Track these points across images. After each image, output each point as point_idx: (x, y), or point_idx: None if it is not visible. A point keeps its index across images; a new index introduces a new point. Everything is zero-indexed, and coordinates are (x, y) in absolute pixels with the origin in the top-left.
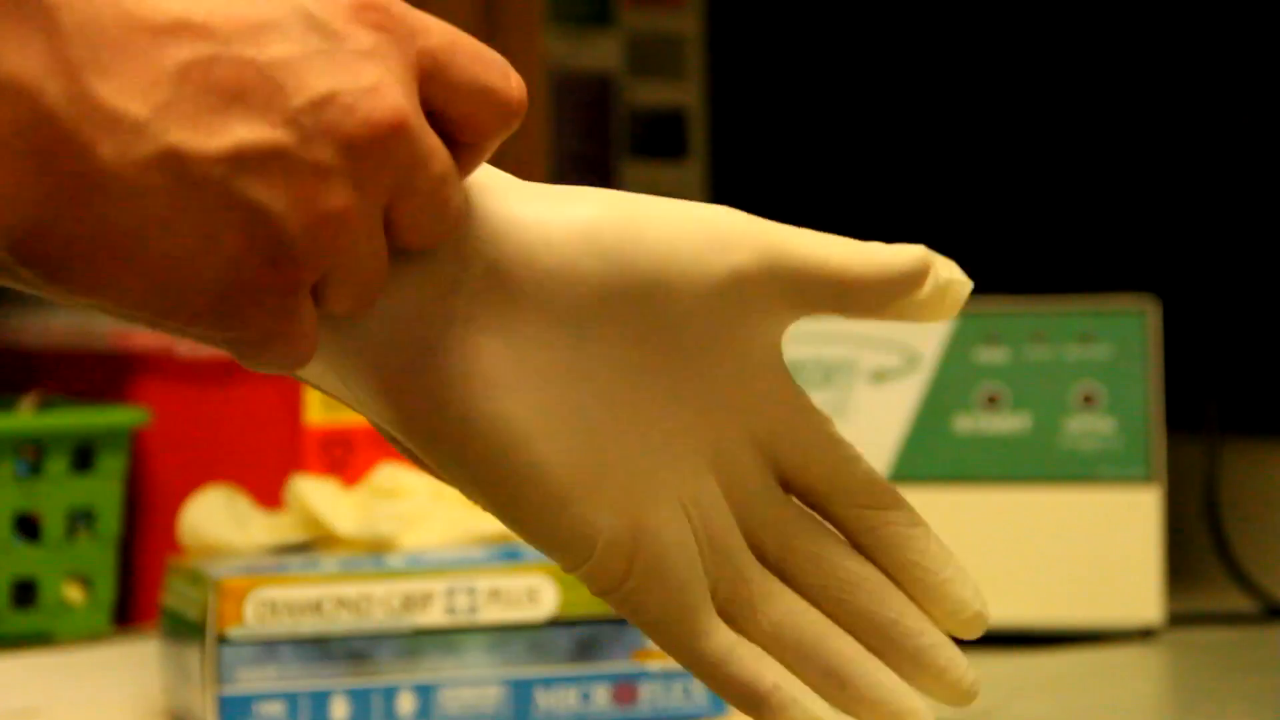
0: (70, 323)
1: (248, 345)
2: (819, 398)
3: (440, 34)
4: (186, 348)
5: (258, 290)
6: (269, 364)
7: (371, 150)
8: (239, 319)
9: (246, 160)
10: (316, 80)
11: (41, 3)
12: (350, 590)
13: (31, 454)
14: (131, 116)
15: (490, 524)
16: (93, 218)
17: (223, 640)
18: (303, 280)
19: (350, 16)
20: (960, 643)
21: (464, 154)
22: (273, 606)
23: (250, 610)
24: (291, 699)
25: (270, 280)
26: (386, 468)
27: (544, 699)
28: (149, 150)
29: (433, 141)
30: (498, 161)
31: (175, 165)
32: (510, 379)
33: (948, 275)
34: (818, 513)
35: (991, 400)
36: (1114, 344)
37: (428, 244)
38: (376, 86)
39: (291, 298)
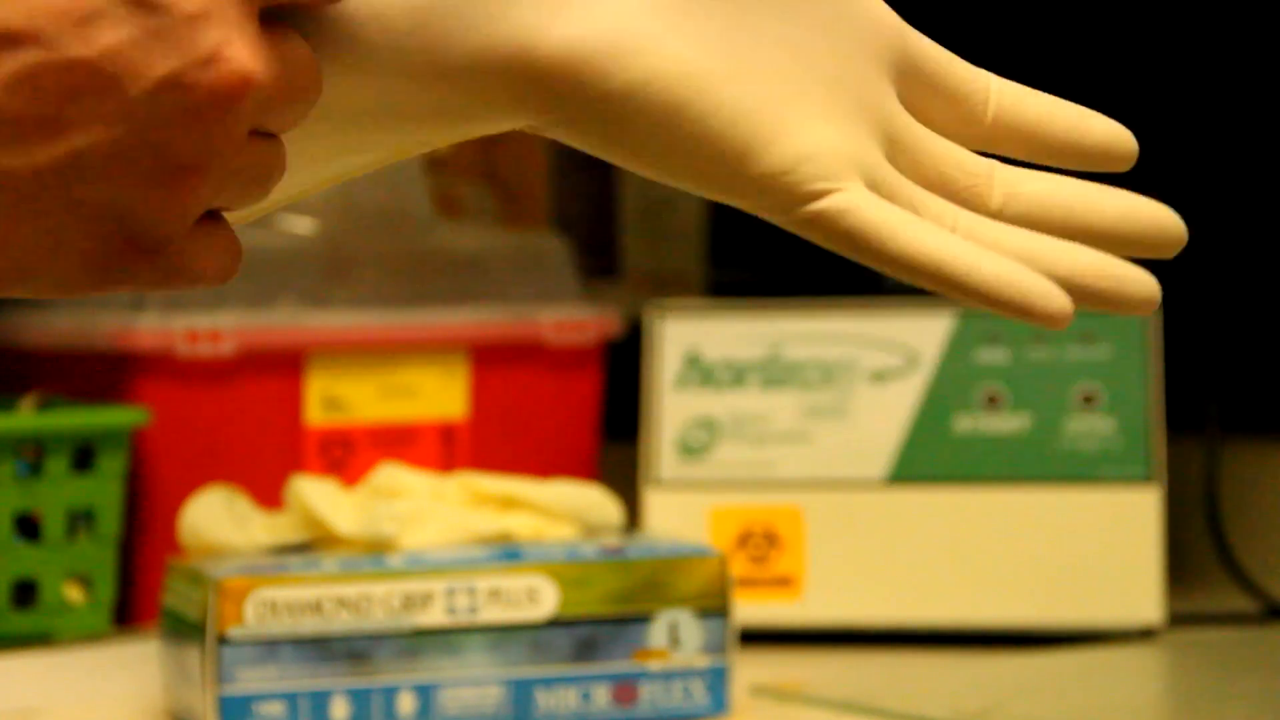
0: (70, 323)
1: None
2: (819, 398)
3: None
4: (186, 348)
5: (125, 269)
6: (192, 283)
7: (224, 116)
8: (120, 285)
9: (84, 165)
10: (153, 63)
11: None
12: (350, 590)
13: (31, 454)
14: None
15: (490, 524)
16: None
17: (223, 640)
18: (174, 238)
19: None
20: (960, 643)
21: None
22: (273, 606)
23: (250, 610)
24: (291, 699)
25: (135, 261)
26: (386, 468)
27: (544, 699)
28: None
29: (290, 58)
30: (494, 160)
31: (6, 183)
32: (660, 26)
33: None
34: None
35: (991, 400)
36: (1114, 344)
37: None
38: (215, 52)
39: (164, 255)
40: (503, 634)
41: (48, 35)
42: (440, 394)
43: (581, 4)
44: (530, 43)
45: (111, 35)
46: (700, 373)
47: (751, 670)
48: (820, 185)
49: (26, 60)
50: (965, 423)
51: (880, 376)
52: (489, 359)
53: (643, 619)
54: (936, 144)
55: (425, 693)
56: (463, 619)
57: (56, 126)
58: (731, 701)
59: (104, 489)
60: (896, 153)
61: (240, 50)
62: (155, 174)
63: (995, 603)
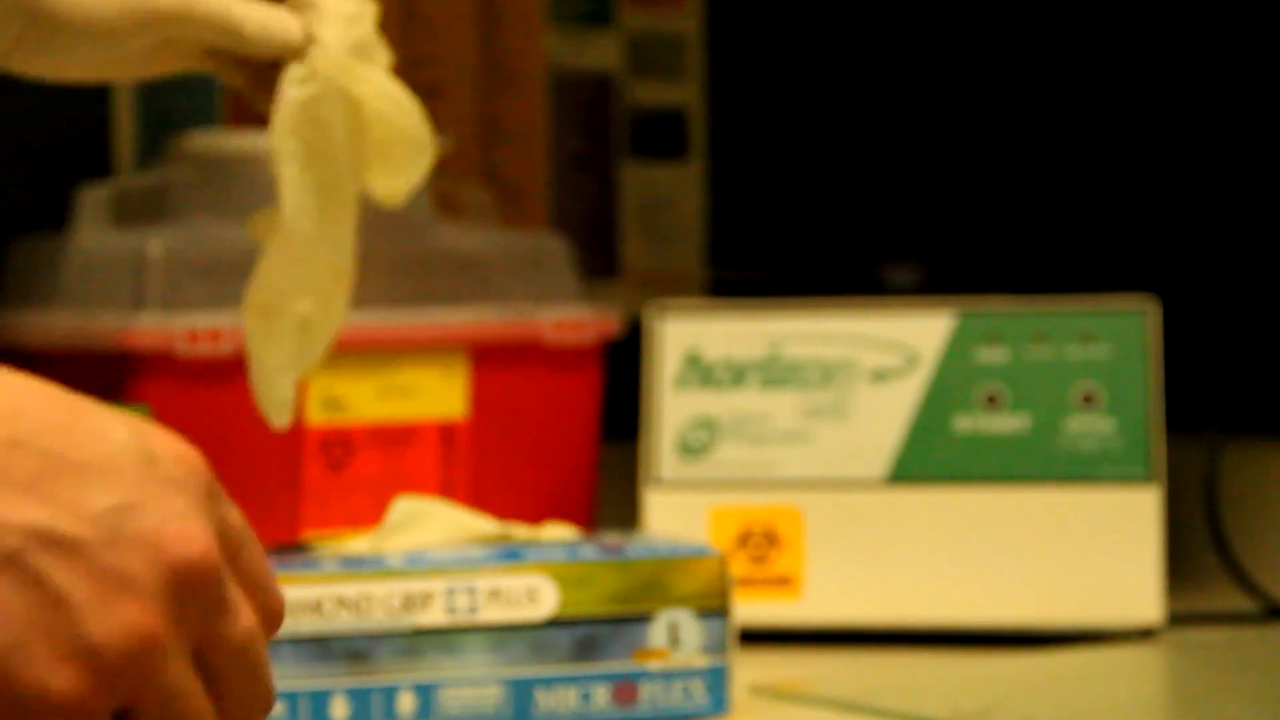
0: (70, 323)
1: None
2: (819, 398)
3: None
4: (186, 348)
5: (45, 701)
6: None
7: (182, 577)
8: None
9: (48, 541)
10: (109, 495)
11: None
12: (350, 590)
13: None
14: None
15: (490, 524)
16: None
17: None
18: (102, 699)
19: (171, 454)
20: (960, 643)
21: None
22: None
23: None
24: (291, 699)
25: (65, 696)
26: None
27: (544, 699)
28: None
29: (238, 595)
30: (494, 160)
31: None
32: None
33: None
34: None
35: (991, 400)
36: (1114, 344)
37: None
38: (186, 514)
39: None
40: (503, 634)
41: (35, 426)
42: (440, 394)
43: None
44: None
45: (96, 449)
46: (700, 373)
47: (751, 670)
48: None
49: (9, 434)
50: (965, 423)
51: (880, 376)
52: (489, 359)
53: (643, 619)
54: None
55: (425, 693)
56: (463, 619)
57: (23, 499)
58: (731, 701)
59: None
60: None
61: (209, 531)
62: (114, 595)
63: (995, 603)
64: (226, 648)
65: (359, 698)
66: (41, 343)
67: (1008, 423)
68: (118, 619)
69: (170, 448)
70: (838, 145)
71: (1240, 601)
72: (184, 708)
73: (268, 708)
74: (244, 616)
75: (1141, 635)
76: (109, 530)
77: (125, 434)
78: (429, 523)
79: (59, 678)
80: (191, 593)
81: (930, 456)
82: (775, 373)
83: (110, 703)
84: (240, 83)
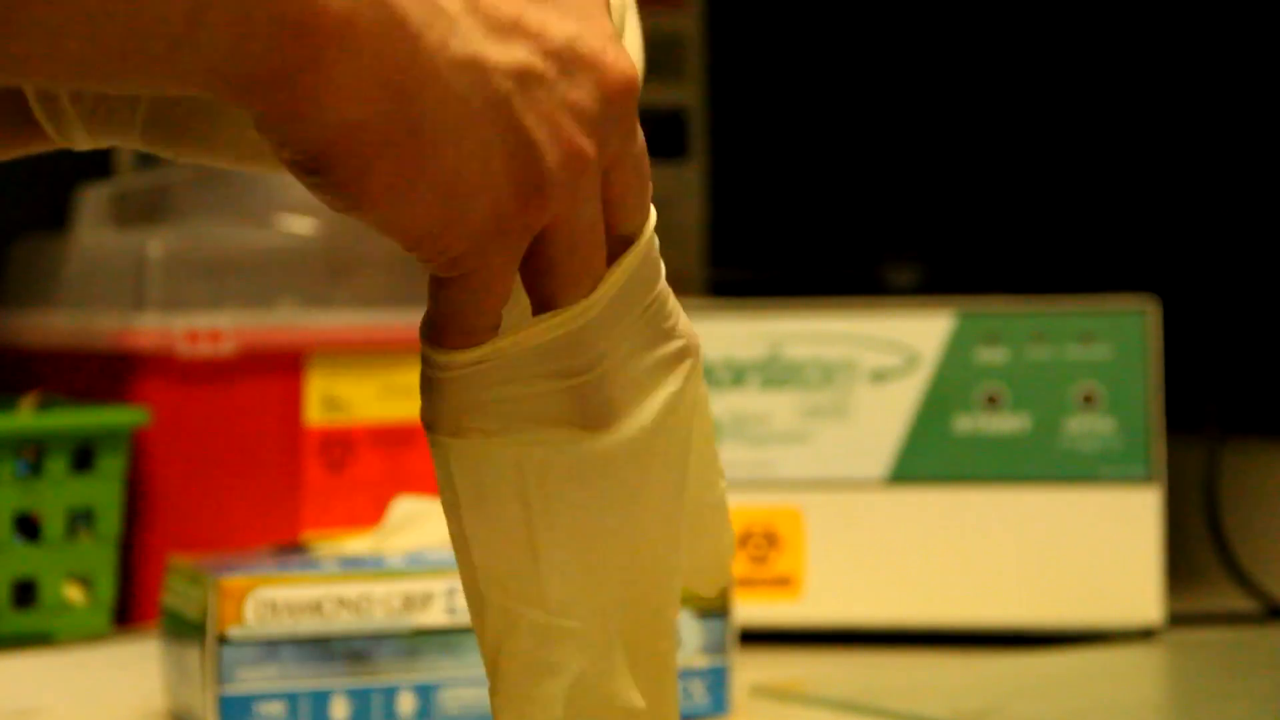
0: (70, 323)
1: (478, 287)
2: (819, 398)
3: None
4: (186, 348)
5: (502, 231)
6: (457, 318)
7: (618, 100)
8: (480, 256)
9: (527, 81)
10: (573, 23)
11: None
12: (350, 590)
13: (31, 454)
14: (450, 12)
15: None
16: (412, 115)
17: (223, 640)
18: (537, 223)
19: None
20: (960, 643)
21: None
22: (273, 606)
23: (250, 610)
24: (292, 699)
25: (515, 221)
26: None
27: None
28: (462, 51)
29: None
30: None
31: (477, 73)
32: None
33: None
34: None
35: (991, 400)
36: (1114, 344)
37: (633, 228)
38: (613, 36)
39: (522, 243)
40: None
41: None
42: None
43: None
44: None
45: None
46: None
47: (751, 670)
48: None
49: None
50: (965, 423)
51: (880, 376)
52: None
53: None
54: None
55: (425, 693)
56: (463, 619)
57: (505, 40)
58: (731, 701)
59: (104, 489)
60: None
61: (625, 59)
62: (566, 127)
63: (995, 603)
64: (630, 165)
65: (359, 698)
66: (41, 343)
67: (1008, 423)
68: (566, 150)
69: None
70: (838, 145)
71: (1240, 601)
72: (592, 219)
73: (646, 218)
74: (640, 137)
75: (1141, 635)
76: (566, 61)
77: None
78: (429, 523)
79: (515, 212)
80: (617, 115)
81: (930, 456)
82: (775, 373)
83: (543, 223)
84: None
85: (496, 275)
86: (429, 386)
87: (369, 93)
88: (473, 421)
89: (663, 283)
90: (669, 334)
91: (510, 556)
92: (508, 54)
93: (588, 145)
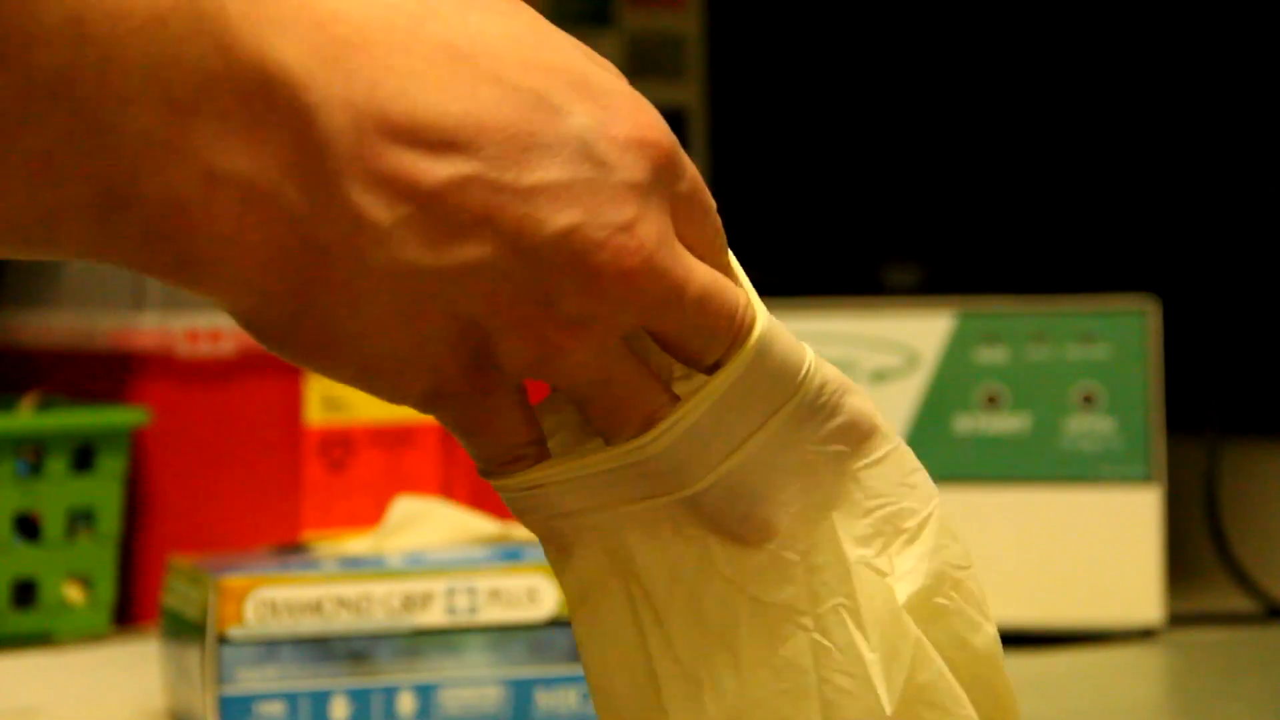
0: (70, 323)
1: (458, 431)
2: None
3: (693, 180)
4: (186, 348)
5: (452, 394)
6: (487, 454)
7: (615, 291)
8: (439, 409)
9: (468, 279)
10: (570, 211)
11: (296, 105)
12: (350, 590)
13: (31, 454)
14: (374, 226)
15: (490, 524)
16: (317, 318)
17: (223, 640)
18: (496, 388)
19: (627, 146)
20: None
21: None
22: (273, 606)
23: (250, 610)
24: (292, 699)
25: (464, 385)
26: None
27: (544, 699)
28: (383, 262)
29: (684, 267)
30: None
31: (406, 283)
32: None
33: None
34: None
35: (991, 400)
36: (1114, 344)
37: (715, 359)
38: (632, 223)
39: (489, 398)
40: (503, 634)
41: (490, 153)
42: None
43: None
44: None
45: (548, 172)
46: None
47: None
48: None
49: (461, 170)
50: (965, 423)
51: (880, 376)
52: None
53: None
54: None
55: (425, 693)
56: (462, 619)
57: (462, 241)
58: None
59: (104, 489)
60: None
61: (653, 231)
62: (534, 317)
63: (995, 603)
64: (678, 313)
65: (359, 698)
66: (41, 343)
67: (1008, 423)
68: (530, 338)
69: (627, 141)
70: (838, 145)
71: (1240, 601)
72: (612, 372)
73: (735, 343)
74: (692, 286)
75: (1141, 635)
76: (545, 260)
77: (574, 142)
78: (429, 523)
79: (460, 381)
80: (624, 293)
81: (930, 456)
82: None
83: (506, 388)
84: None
85: (477, 421)
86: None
87: (262, 295)
88: (564, 534)
89: (810, 377)
90: (834, 434)
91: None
92: (448, 258)
93: (562, 337)
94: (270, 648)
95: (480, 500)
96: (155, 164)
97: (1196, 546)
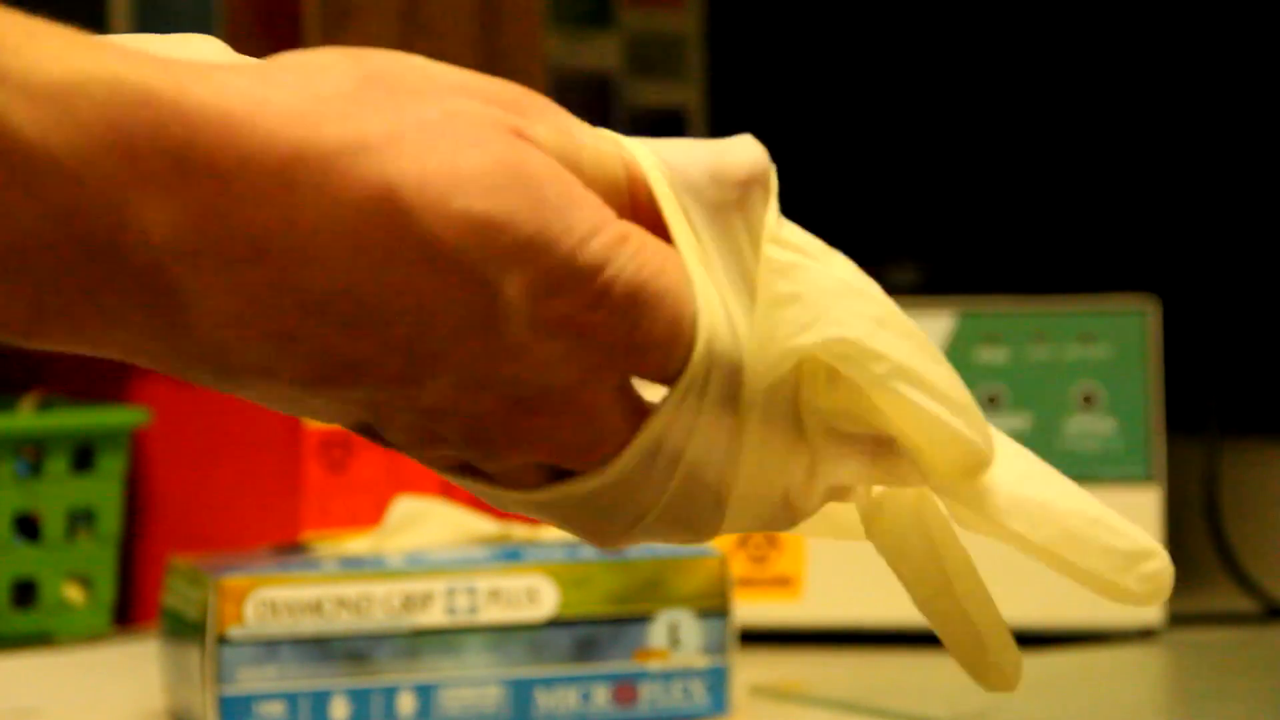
0: None
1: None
2: None
3: None
4: None
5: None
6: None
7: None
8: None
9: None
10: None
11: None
12: (350, 590)
13: (31, 454)
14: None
15: (490, 524)
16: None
17: (223, 640)
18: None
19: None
20: None
21: None
22: (273, 606)
23: (250, 610)
24: (291, 699)
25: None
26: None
27: (544, 699)
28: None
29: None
30: None
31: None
32: None
33: None
34: None
35: (991, 400)
36: (1114, 344)
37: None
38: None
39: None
40: (503, 634)
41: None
42: None
43: None
44: None
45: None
46: None
47: (751, 670)
48: None
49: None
50: None
51: None
52: None
53: (643, 619)
54: None
55: (425, 693)
56: (463, 619)
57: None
58: (731, 701)
59: (104, 489)
60: None
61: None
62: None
63: (996, 603)
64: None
65: (359, 698)
66: None
67: (1008, 423)
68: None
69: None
70: (838, 145)
71: (1240, 601)
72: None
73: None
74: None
75: (1141, 635)
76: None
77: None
78: (429, 523)
79: None
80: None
81: None
82: None
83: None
84: None
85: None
86: None
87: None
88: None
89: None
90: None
91: None
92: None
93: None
94: (270, 648)
95: (480, 500)
96: None
97: (1196, 546)
